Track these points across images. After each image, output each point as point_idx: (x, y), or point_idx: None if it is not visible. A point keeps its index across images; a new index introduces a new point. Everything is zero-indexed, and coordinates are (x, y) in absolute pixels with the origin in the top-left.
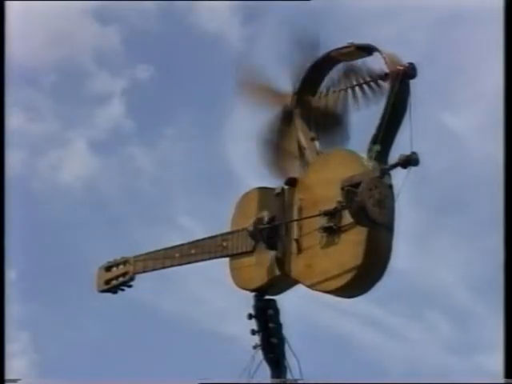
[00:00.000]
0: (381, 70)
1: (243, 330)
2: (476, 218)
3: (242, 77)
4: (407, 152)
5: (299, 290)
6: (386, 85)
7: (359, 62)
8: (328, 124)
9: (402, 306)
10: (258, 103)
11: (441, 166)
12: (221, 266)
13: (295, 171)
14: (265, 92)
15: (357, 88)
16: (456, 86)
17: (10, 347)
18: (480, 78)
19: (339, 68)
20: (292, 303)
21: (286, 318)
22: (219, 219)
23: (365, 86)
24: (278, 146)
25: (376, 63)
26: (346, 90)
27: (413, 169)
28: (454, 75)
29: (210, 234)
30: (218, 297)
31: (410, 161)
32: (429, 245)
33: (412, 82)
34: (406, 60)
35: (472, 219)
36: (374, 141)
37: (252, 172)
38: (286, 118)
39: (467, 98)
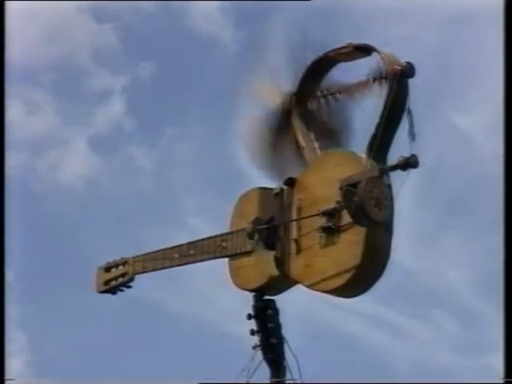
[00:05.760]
0: (380, 69)
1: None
2: (484, 218)
3: (245, 78)
4: (407, 154)
5: (304, 289)
6: (384, 84)
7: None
8: (326, 124)
9: (409, 305)
10: (261, 99)
11: (449, 165)
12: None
13: (294, 171)
14: (266, 91)
15: (356, 88)
16: (465, 86)
17: (8, 347)
18: (490, 77)
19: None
20: (297, 303)
21: (290, 318)
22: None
23: (364, 86)
24: (275, 145)
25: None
26: (345, 89)
27: (421, 168)
28: (464, 75)
29: None
30: (226, 297)
31: (409, 163)
32: (437, 244)
33: (421, 82)
34: (415, 60)
35: (480, 219)
36: (373, 141)
37: (262, 172)
38: (284, 118)
39: (477, 98)
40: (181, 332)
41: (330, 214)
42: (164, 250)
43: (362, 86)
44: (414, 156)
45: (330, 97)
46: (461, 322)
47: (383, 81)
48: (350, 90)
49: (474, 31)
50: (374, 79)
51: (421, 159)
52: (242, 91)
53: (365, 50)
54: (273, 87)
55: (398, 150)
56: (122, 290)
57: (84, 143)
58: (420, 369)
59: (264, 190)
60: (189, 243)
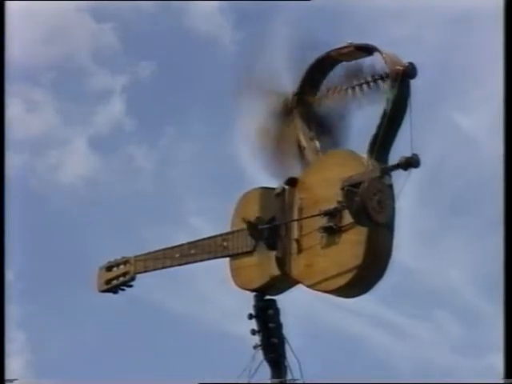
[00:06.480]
0: (382, 69)
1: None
2: (486, 218)
3: (246, 78)
4: (408, 154)
5: (305, 289)
6: (386, 85)
7: (361, 61)
8: (328, 124)
9: (411, 305)
10: (259, 103)
11: (451, 165)
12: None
13: (295, 171)
14: (267, 92)
15: (358, 88)
16: (467, 86)
17: (8, 347)
18: (491, 77)
19: (341, 68)
20: (298, 303)
21: (291, 318)
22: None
23: (366, 86)
24: (277, 145)
25: (376, 63)
26: (347, 89)
27: (423, 168)
28: (466, 75)
29: None
30: (227, 297)
31: (410, 163)
32: (438, 244)
33: (423, 82)
34: (416, 60)
35: (482, 219)
36: (374, 141)
37: (263, 172)
38: (286, 118)
39: (478, 98)
40: (181, 332)
41: (332, 214)
42: (165, 249)
43: (365, 85)
44: (415, 155)
45: (332, 96)
46: (462, 322)
47: (385, 80)
48: (353, 88)
49: (474, 31)
50: (377, 79)
51: (423, 159)
52: (243, 92)
53: (366, 50)
54: (271, 89)
55: (400, 150)
56: (123, 289)
57: (84, 143)
58: (421, 369)
59: (265, 190)
60: (190, 243)
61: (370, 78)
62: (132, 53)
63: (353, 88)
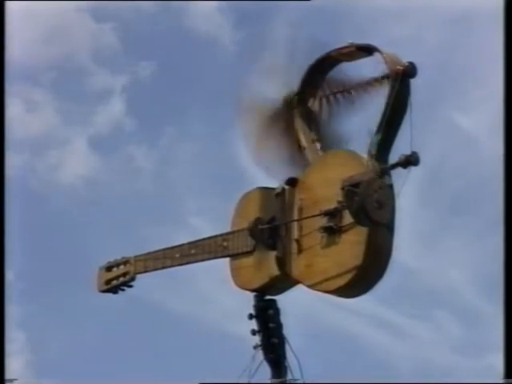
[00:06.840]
0: (382, 69)
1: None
2: (486, 218)
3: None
4: (407, 152)
5: (305, 289)
6: (384, 86)
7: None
8: (328, 125)
9: (411, 305)
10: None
11: (451, 165)
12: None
13: (295, 171)
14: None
15: (359, 88)
16: (467, 86)
17: (8, 347)
18: (492, 77)
19: (342, 68)
20: (299, 303)
21: (291, 318)
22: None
23: (368, 87)
24: (277, 145)
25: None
26: (348, 90)
27: (423, 168)
28: (466, 75)
29: None
30: (227, 297)
31: (410, 161)
32: (438, 244)
33: (423, 82)
34: (416, 60)
35: (482, 219)
36: (374, 141)
37: (263, 172)
38: (286, 118)
39: (478, 98)
40: (182, 332)
41: (332, 214)
42: (165, 249)
43: (365, 85)
44: (414, 153)
45: (331, 97)
46: (462, 322)
47: (385, 80)
48: (354, 88)
49: (474, 31)
50: (377, 79)
51: (423, 159)
52: (242, 93)
53: (367, 50)
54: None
55: (400, 150)
56: (123, 290)
57: (84, 143)
58: (421, 369)
59: (265, 190)
60: (190, 243)
61: (369, 79)
62: (132, 53)
63: (354, 88)
